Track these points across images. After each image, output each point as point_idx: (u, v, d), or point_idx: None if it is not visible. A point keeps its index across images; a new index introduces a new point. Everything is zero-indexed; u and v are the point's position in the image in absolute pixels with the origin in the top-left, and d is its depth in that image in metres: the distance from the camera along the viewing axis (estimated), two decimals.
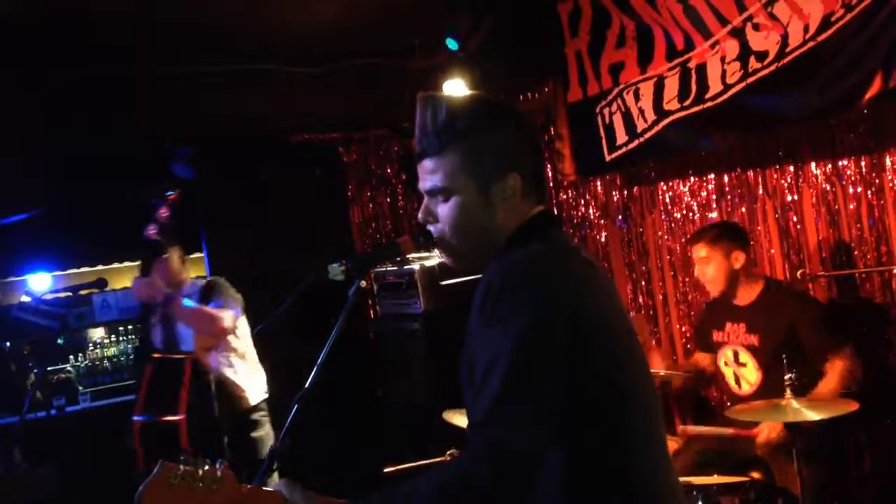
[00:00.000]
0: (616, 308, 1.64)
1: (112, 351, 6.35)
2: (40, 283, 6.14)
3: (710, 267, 3.67)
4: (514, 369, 1.45)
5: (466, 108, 1.68)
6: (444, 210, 1.68)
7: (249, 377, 4.09)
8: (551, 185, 5.22)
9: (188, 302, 3.91)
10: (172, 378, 3.72)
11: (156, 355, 3.92)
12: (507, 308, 1.49)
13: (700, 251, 3.69)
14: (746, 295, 3.68)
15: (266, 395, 4.16)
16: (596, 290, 1.59)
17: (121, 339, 6.40)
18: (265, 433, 4.10)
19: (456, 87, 4.99)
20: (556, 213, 1.54)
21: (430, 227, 1.72)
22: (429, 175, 1.68)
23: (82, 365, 6.25)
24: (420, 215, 1.73)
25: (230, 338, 4.02)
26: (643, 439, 1.56)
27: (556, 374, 1.47)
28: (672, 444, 3.72)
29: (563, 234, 1.73)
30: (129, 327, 6.44)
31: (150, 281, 3.86)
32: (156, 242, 3.84)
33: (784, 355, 3.23)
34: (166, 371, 3.79)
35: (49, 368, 5.98)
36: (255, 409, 4.08)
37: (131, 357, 6.27)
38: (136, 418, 3.68)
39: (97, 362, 6.27)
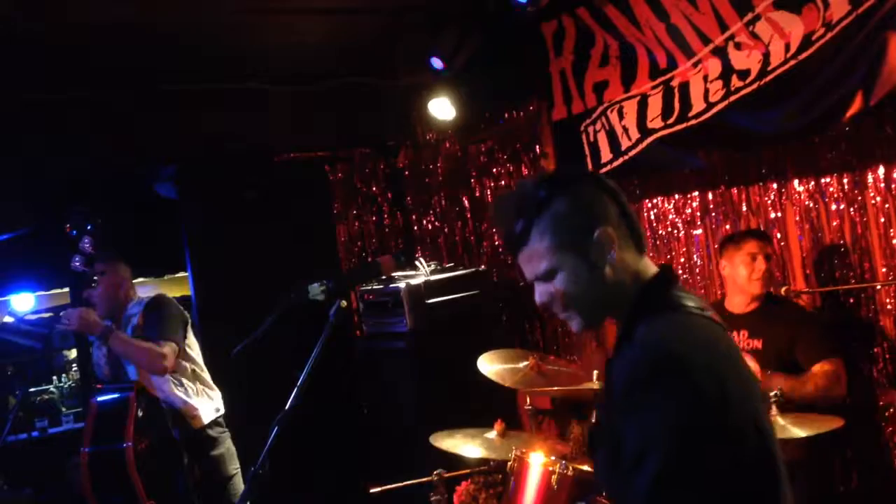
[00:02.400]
0: (745, 368, 1.65)
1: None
2: (23, 303, 6.09)
3: (768, 264, 3.69)
4: (669, 462, 1.45)
5: (530, 193, 1.69)
6: (556, 288, 1.67)
7: (200, 397, 4.02)
8: None
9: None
10: (118, 408, 3.67)
11: (100, 387, 3.87)
12: (657, 395, 1.49)
13: (762, 247, 3.69)
14: (744, 303, 3.71)
15: (219, 413, 4.10)
16: (732, 358, 1.61)
17: (80, 366, 6.33)
18: (224, 450, 4.05)
19: (441, 105, 5.02)
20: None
21: (558, 312, 1.72)
22: (528, 265, 1.70)
23: (65, 386, 6.20)
24: (538, 300, 1.72)
25: (179, 359, 3.95)
26: (781, 496, 1.57)
27: (711, 462, 1.47)
28: None
29: (685, 295, 1.67)
30: None
31: (84, 312, 3.78)
32: (82, 273, 3.78)
33: (769, 371, 3.24)
34: (111, 401, 3.74)
35: (32, 389, 5.93)
36: (210, 427, 4.02)
37: None
38: (83, 450, 3.62)
39: (80, 383, 6.21)
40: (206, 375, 4.12)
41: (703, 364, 1.51)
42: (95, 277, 3.87)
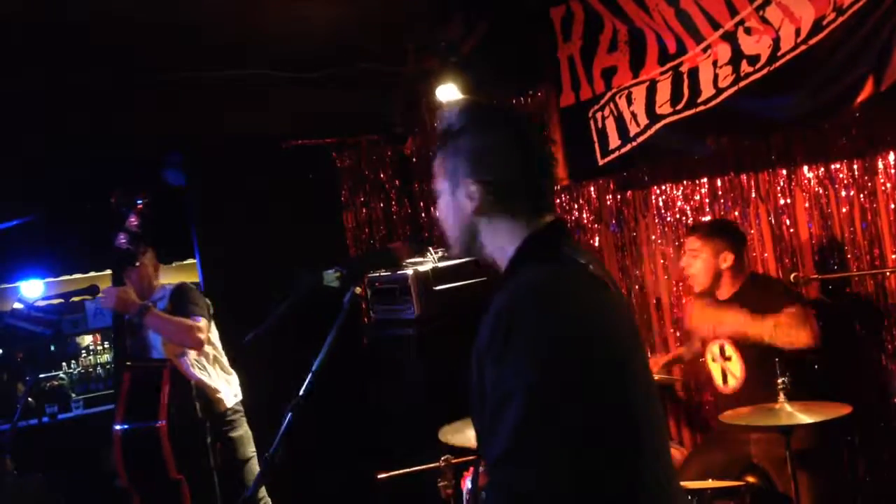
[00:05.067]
0: (626, 328, 1.64)
1: (105, 357, 6.33)
2: (32, 289, 6.12)
3: (697, 261, 3.71)
4: (526, 412, 1.45)
5: (452, 114, 1.74)
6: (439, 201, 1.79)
7: (222, 381, 4.13)
8: None
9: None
10: (151, 385, 3.71)
11: (131, 363, 3.90)
12: (517, 344, 1.48)
13: (692, 244, 3.73)
14: (728, 289, 3.72)
15: (238, 398, 4.21)
16: (606, 313, 1.59)
17: (114, 345, 6.37)
18: (243, 433, 4.16)
19: (448, 92, 5.00)
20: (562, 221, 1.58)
21: None
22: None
23: (75, 372, 6.22)
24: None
25: None
26: (649, 457, 1.57)
27: (567, 414, 1.46)
28: (675, 454, 3.73)
29: (571, 249, 1.68)
30: None
31: (122, 291, 3.80)
32: (126, 251, 3.79)
33: (777, 358, 3.23)
34: (144, 378, 3.78)
35: (42, 375, 5.95)
36: (231, 410, 4.13)
37: None
38: (116, 427, 3.66)
39: (90, 369, 6.24)
40: (225, 361, 4.22)
41: (568, 314, 1.51)
42: (139, 257, 3.89)
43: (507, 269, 1.66)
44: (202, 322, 3.91)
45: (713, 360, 3.74)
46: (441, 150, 1.74)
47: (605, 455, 1.49)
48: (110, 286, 3.83)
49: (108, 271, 6.15)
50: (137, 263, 3.90)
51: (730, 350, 3.65)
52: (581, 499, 1.47)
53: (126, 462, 3.62)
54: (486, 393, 1.52)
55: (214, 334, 4.17)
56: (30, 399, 5.35)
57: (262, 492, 4.10)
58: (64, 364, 6.27)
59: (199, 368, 4.03)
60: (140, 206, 3.77)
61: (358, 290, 2.11)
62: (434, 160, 1.78)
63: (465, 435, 3.46)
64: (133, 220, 3.78)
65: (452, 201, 1.71)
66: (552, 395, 1.46)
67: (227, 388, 4.15)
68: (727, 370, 3.67)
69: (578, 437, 1.46)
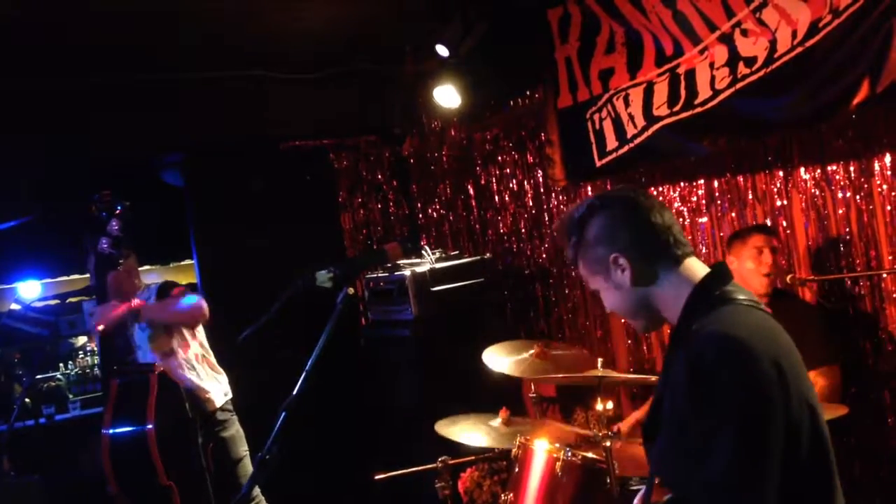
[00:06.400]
0: (795, 353, 1.76)
1: None
2: (30, 290, 6.11)
3: (775, 258, 3.68)
4: (740, 448, 1.58)
5: (571, 221, 1.89)
6: (603, 299, 1.92)
7: (211, 380, 4.15)
8: (542, 190, 5.23)
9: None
10: (139, 390, 3.72)
11: (118, 369, 3.91)
12: (723, 383, 1.61)
13: (770, 242, 3.67)
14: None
15: (228, 397, 4.23)
16: (783, 344, 1.73)
17: (100, 350, 6.34)
18: (234, 432, 4.18)
19: (446, 93, 5.01)
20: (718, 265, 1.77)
21: None
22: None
23: (72, 373, 6.21)
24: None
25: (190, 341, 4.09)
26: (831, 472, 1.73)
27: (774, 440, 1.60)
28: None
29: (735, 288, 1.79)
30: None
31: (111, 307, 3.83)
32: (109, 255, 3.80)
33: None
34: (132, 384, 3.79)
35: (39, 376, 5.94)
36: (221, 410, 4.15)
37: None
38: (105, 432, 3.67)
39: (87, 370, 6.23)
40: (213, 359, 4.24)
41: (762, 349, 1.63)
42: (121, 260, 3.91)
43: (680, 321, 1.77)
44: (199, 300, 3.97)
45: None
46: (579, 255, 1.88)
47: (807, 478, 1.65)
48: (98, 306, 3.87)
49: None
50: (120, 267, 3.92)
51: None
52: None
53: (115, 468, 3.62)
54: (690, 433, 1.64)
55: (202, 332, 4.19)
56: (27, 400, 5.35)
57: (256, 491, 4.11)
58: (61, 365, 6.26)
59: (188, 368, 4.05)
60: (120, 210, 3.79)
61: (351, 290, 2.13)
62: (580, 270, 1.92)
63: (459, 428, 3.47)
64: (114, 225, 3.80)
65: (614, 286, 1.84)
66: (759, 427, 1.59)
67: (217, 386, 4.16)
68: None
69: (783, 463, 1.60)
